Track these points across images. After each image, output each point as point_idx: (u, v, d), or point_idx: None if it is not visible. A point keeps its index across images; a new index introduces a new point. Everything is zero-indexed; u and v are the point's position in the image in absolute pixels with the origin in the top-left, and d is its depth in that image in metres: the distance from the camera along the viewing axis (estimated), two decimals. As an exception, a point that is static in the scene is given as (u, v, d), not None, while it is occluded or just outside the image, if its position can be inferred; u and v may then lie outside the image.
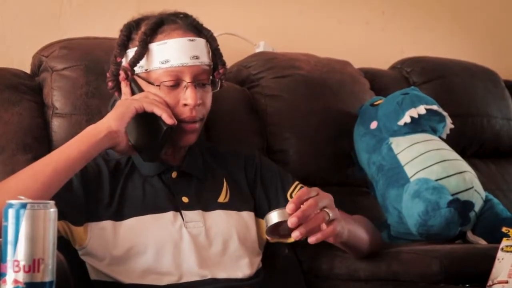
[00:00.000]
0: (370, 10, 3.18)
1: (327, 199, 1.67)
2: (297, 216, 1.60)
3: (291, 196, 2.02)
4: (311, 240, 1.63)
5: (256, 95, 2.49)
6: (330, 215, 1.65)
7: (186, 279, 1.84)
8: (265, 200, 2.02)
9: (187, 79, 1.86)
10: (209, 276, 1.85)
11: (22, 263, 1.26)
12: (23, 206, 1.27)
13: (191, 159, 1.97)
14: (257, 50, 2.78)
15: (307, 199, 1.63)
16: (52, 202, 1.30)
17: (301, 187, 2.04)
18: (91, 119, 2.07)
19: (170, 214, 1.88)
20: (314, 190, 1.66)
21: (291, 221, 1.59)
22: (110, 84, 1.94)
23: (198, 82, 1.88)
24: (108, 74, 1.94)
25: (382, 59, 2.98)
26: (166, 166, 1.94)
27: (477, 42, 3.41)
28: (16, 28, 2.45)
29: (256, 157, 2.08)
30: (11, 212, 1.27)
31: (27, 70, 2.25)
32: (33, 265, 1.26)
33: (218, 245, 1.89)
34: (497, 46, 3.47)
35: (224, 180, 2.00)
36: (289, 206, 1.61)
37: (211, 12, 2.49)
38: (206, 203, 1.93)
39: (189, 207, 1.90)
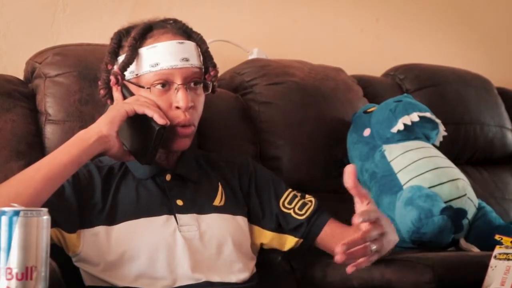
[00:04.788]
0: (364, 18, 3.18)
1: (378, 229, 1.68)
2: (345, 254, 1.61)
3: (283, 205, 2.02)
4: (348, 270, 1.66)
5: (249, 102, 2.49)
6: (373, 248, 1.67)
7: (180, 283, 1.84)
8: (259, 207, 2.03)
9: (177, 81, 1.86)
10: (204, 279, 1.85)
11: (15, 271, 1.26)
12: (16, 213, 1.27)
13: (185, 162, 1.97)
14: (251, 57, 2.78)
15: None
16: (45, 210, 1.30)
17: (294, 194, 2.05)
18: (84, 125, 2.05)
19: (163, 218, 1.88)
20: (374, 213, 1.67)
21: (338, 257, 1.60)
22: (102, 92, 1.94)
23: (189, 84, 1.88)
24: (99, 82, 1.94)
25: (376, 66, 2.98)
26: (159, 169, 1.94)
27: (470, 50, 3.42)
28: (9, 35, 2.45)
29: (250, 164, 2.09)
30: (4, 220, 1.27)
31: (21, 76, 2.25)
32: (26, 273, 1.26)
33: (212, 249, 1.89)
34: (490, 53, 3.48)
35: (219, 184, 2.00)
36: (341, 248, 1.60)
37: (204, 19, 2.50)
38: (201, 206, 1.93)
39: (184, 210, 1.90)
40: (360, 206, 1.70)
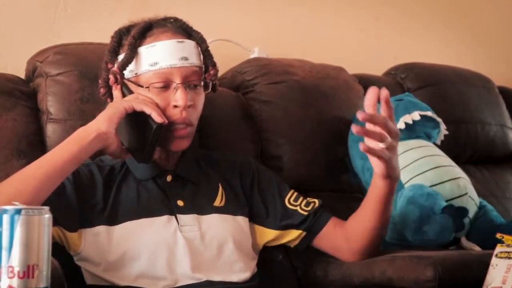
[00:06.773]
0: (364, 17, 3.18)
1: (395, 134, 1.79)
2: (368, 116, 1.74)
3: (289, 202, 2.03)
4: (361, 146, 1.74)
5: (250, 101, 2.48)
6: (389, 140, 1.76)
7: (181, 283, 1.84)
8: (263, 207, 2.03)
9: (176, 80, 1.86)
10: (204, 279, 1.85)
11: (16, 269, 1.26)
12: (18, 212, 1.27)
13: (186, 163, 1.97)
14: (252, 56, 2.78)
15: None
16: (46, 208, 1.30)
17: (297, 194, 2.05)
18: (86, 124, 2.06)
19: (164, 218, 1.88)
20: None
21: (354, 127, 1.73)
22: (102, 90, 1.94)
23: (188, 83, 1.88)
24: (100, 81, 1.94)
25: (376, 65, 2.98)
26: (160, 170, 1.94)
27: (471, 49, 3.42)
28: (10, 33, 2.45)
29: (251, 164, 2.09)
30: (5, 218, 1.27)
31: (22, 75, 2.25)
32: (27, 271, 1.26)
33: (213, 249, 1.90)
34: (491, 52, 3.47)
35: (220, 185, 2.01)
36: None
37: (205, 18, 2.49)
38: (202, 207, 1.94)
39: (185, 210, 1.90)
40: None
